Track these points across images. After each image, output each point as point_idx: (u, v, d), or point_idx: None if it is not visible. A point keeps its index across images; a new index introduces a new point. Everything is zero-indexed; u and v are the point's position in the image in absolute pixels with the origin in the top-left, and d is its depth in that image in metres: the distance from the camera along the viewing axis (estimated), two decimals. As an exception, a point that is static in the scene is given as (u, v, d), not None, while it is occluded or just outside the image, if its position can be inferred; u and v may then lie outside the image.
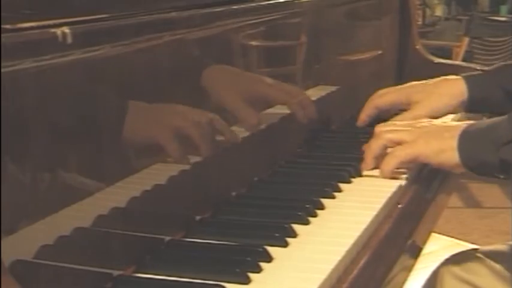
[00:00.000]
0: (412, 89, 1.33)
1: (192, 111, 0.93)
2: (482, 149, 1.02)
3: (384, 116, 1.32)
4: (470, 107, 1.31)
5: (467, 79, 1.30)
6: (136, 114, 0.82)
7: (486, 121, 1.08)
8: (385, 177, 1.06)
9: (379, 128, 1.13)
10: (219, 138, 1.00)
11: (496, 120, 1.06)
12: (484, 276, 1.18)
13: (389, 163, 1.07)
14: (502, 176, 1.05)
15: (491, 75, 1.34)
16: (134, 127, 0.82)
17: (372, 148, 1.10)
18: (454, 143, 1.04)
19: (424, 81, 1.34)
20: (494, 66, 1.37)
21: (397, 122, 1.20)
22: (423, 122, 1.16)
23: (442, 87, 1.31)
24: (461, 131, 1.05)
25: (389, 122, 1.19)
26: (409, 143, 1.07)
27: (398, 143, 1.09)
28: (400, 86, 1.37)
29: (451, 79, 1.32)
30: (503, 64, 1.36)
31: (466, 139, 1.04)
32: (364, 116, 1.33)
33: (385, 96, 1.33)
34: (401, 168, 1.08)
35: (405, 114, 1.28)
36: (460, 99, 1.29)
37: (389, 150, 1.11)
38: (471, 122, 1.08)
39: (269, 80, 1.16)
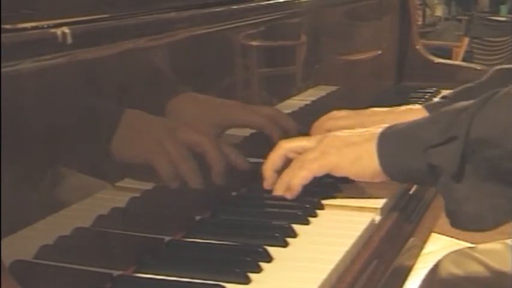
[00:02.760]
0: (370, 118, 1.17)
1: (191, 110, 0.93)
2: (406, 153, 0.90)
3: None
4: None
5: (430, 109, 1.16)
6: (136, 114, 0.82)
7: (405, 123, 0.94)
8: (293, 195, 0.94)
9: (280, 142, 0.99)
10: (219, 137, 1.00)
11: (417, 122, 0.93)
12: (480, 274, 1.18)
13: (299, 176, 0.93)
14: (427, 183, 0.94)
15: (453, 102, 1.21)
16: (134, 127, 0.82)
17: (271, 159, 0.97)
18: (371, 148, 0.92)
19: (385, 110, 1.19)
20: (454, 91, 1.27)
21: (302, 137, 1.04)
22: (332, 133, 0.99)
23: (404, 119, 1.08)
24: (378, 134, 0.92)
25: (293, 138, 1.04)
26: (319, 153, 0.94)
27: (301, 152, 0.96)
28: (357, 112, 1.20)
29: (414, 109, 1.19)
30: (463, 88, 1.26)
31: (385, 142, 0.92)
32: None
33: (338, 121, 1.17)
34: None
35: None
36: None
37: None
38: (386, 125, 0.95)
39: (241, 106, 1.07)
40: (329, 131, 1.11)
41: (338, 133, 0.97)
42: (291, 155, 0.96)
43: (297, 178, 0.93)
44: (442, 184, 0.86)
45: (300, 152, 0.95)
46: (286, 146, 0.97)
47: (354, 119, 1.16)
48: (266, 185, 0.97)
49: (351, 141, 0.93)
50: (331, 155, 0.93)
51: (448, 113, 0.90)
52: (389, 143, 0.91)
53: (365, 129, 0.96)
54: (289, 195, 0.94)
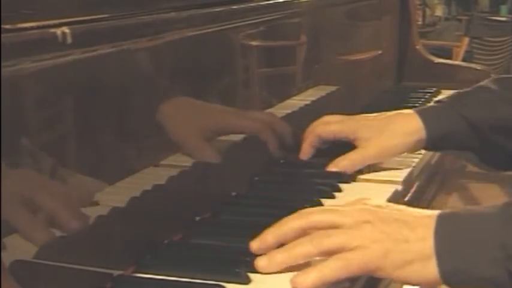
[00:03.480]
0: (360, 122, 1.13)
1: (191, 110, 0.93)
2: (477, 260, 0.73)
3: (325, 147, 1.15)
4: (431, 145, 1.13)
5: (422, 114, 1.12)
6: (137, 114, 0.82)
7: (468, 215, 0.77)
8: None
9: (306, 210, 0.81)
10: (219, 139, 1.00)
11: (487, 217, 0.76)
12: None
13: (330, 271, 0.72)
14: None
15: (449, 106, 1.14)
16: (134, 127, 0.82)
17: (285, 227, 0.78)
18: (426, 250, 0.73)
19: (376, 114, 1.16)
20: (450, 95, 1.21)
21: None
22: (374, 204, 0.80)
23: (395, 124, 1.12)
24: (434, 231, 0.74)
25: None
26: (360, 247, 0.73)
27: (331, 227, 0.76)
28: (348, 116, 1.16)
29: (406, 114, 1.14)
30: (458, 92, 1.20)
31: (446, 245, 0.73)
32: (308, 146, 1.13)
33: (329, 126, 1.13)
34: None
35: (351, 155, 1.09)
36: (416, 137, 1.10)
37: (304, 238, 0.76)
38: (446, 211, 0.77)
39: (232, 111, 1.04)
40: (320, 136, 1.12)
41: (380, 215, 0.76)
42: (310, 230, 0.77)
43: (325, 276, 0.72)
44: None
45: (331, 227, 0.76)
46: (312, 219, 0.77)
47: (344, 124, 1.13)
48: (260, 249, 0.77)
49: (398, 236, 0.74)
50: (373, 252, 0.73)
51: None
52: (452, 245, 0.73)
53: (415, 216, 0.76)
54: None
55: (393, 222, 0.75)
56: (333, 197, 1.00)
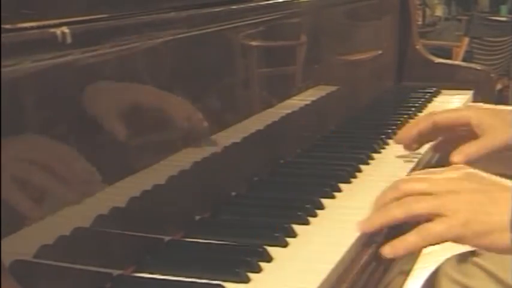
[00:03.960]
0: (484, 112, 1.09)
1: (191, 110, 0.93)
2: None
3: (429, 139, 1.15)
4: None
5: None
6: (136, 114, 0.82)
7: None
8: (397, 255, 0.83)
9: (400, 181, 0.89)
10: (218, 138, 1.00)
11: None
12: (481, 280, 1.17)
13: (412, 241, 0.81)
14: None
15: None
16: (134, 127, 0.82)
17: (386, 196, 0.87)
18: (505, 221, 0.79)
19: (492, 106, 1.13)
20: None
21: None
22: (458, 172, 0.87)
23: None
24: None
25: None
26: (445, 216, 0.80)
27: (420, 194, 0.84)
28: (466, 106, 1.16)
29: None
30: None
31: None
32: (416, 130, 1.12)
33: (447, 113, 1.12)
34: None
35: (476, 144, 1.05)
36: None
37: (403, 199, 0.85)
38: None
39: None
40: (435, 122, 1.10)
41: (466, 185, 0.84)
42: (404, 195, 0.85)
43: (410, 243, 0.81)
44: None
45: (420, 193, 0.84)
46: (405, 188, 0.85)
47: (467, 110, 1.11)
48: (370, 230, 0.86)
49: (481, 208, 0.80)
50: (456, 223, 0.80)
51: None
52: None
53: (499, 188, 0.83)
54: (391, 255, 0.82)
55: (477, 193, 0.82)
56: (333, 197, 1.00)
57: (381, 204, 0.86)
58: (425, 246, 0.82)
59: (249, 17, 1.07)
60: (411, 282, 1.10)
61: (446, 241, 0.81)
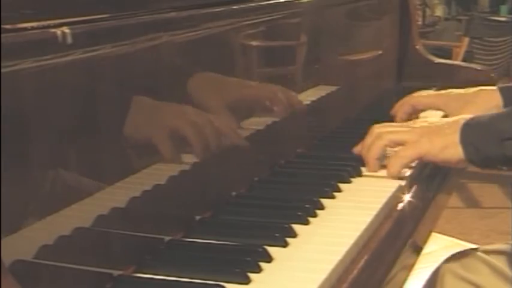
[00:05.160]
0: (450, 95, 1.35)
1: (191, 112, 0.93)
2: (485, 143, 1.03)
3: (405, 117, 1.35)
4: None
5: (503, 90, 1.30)
6: (136, 114, 0.82)
7: (487, 114, 1.07)
8: (392, 178, 1.07)
9: (379, 129, 1.12)
10: (218, 139, 0.99)
11: (498, 114, 1.07)
12: (485, 275, 1.18)
13: (396, 164, 1.07)
14: (505, 168, 1.10)
15: None
16: (134, 127, 0.82)
17: (373, 149, 1.10)
18: (456, 138, 1.04)
19: (462, 90, 1.36)
20: None
21: (393, 124, 1.21)
22: (420, 121, 1.17)
23: (478, 97, 1.31)
24: (462, 125, 1.05)
25: (385, 124, 1.18)
26: (412, 142, 1.07)
27: (400, 144, 1.09)
28: (437, 92, 1.43)
29: (488, 90, 1.33)
30: None
31: (468, 133, 1.04)
32: (401, 112, 1.36)
33: (424, 98, 1.38)
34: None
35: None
36: (495, 111, 1.23)
37: (389, 150, 1.11)
38: (470, 116, 1.08)
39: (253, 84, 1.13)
40: (413, 106, 1.36)
41: (429, 124, 1.11)
42: (391, 145, 1.11)
43: (394, 167, 1.07)
44: None
45: (400, 144, 1.09)
46: (388, 137, 1.10)
47: (437, 97, 1.36)
48: (369, 170, 1.10)
49: (439, 131, 1.07)
50: (423, 143, 1.06)
51: None
52: (472, 134, 1.04)
53: (451, 120, 1.10)
54: (390, 176, 1.07)
55: (436, 123, 1.11)
56: (333, 197, 1.00)
57: (377, 153, 1.10)
58: (404, 164, 1.07)
59: (249, 17, 1.07)
60: (411, 282, 1.10)
61: (419, 156, 1.07)
